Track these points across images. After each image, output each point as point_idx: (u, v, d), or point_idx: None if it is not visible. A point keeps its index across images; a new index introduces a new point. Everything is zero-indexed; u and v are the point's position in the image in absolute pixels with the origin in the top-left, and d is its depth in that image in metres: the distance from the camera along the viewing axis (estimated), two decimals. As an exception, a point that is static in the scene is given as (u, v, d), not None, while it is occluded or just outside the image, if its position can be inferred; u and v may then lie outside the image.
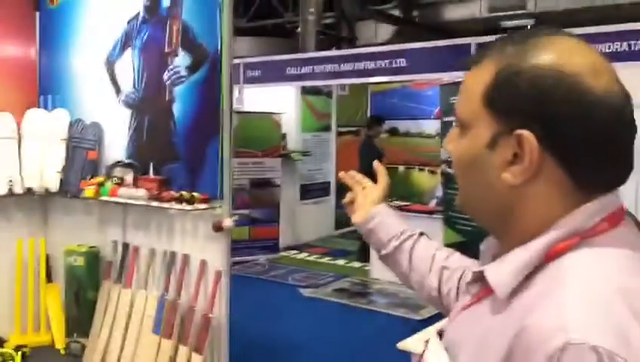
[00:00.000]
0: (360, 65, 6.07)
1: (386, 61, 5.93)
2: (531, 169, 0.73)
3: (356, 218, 1.29)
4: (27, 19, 3.91)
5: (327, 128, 8.20)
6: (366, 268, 6.14)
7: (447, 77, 5.66)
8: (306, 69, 6.27)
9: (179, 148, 3.32)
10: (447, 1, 10.82)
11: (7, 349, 3.55)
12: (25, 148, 3.75)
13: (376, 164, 1.36)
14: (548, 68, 0.72)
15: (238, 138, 6.05)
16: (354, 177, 1.36)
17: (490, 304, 0.77)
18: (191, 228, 3.33)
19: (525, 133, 0.72)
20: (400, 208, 5.65)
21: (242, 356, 3.29)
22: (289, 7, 13.89)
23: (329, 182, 8.08)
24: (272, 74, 6.56)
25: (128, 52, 3.52)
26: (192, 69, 3.23)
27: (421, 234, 1.25)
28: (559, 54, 0.73)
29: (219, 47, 3.09)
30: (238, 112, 6.42)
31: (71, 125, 3.75)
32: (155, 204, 3.23)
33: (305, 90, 7.55)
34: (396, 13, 11.24)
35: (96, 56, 3.66)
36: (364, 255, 6.24)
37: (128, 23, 3.49)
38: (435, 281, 1.18)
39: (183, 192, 3.14)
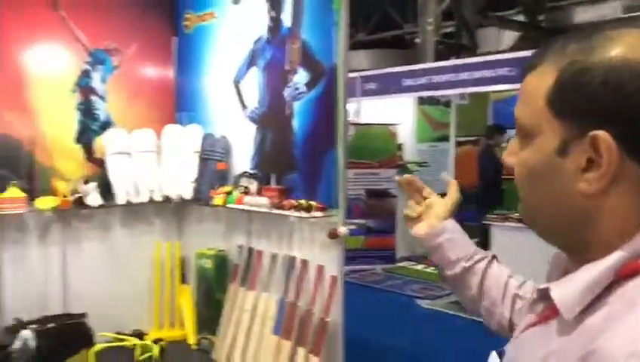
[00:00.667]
0: (479, 74, 5.99)
1: (507, 68, 5.80)
2: (609, 174, 0.66)
3: (418, 230, 1.19)
4: (166, 44, 4.35)
5: (444, 138, 8.12)
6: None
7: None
8: (422, 80, 6.29)
9: (298, 159, 3.51)
10: (576, 3, 10.30)
11: (148, 341, 3.93)
12: (163, 161, 4.16)
13: (444, 176, 1.26)
14: (621, 61, 0.66)
15: (355, 149, 6.23)
16: (414, 183, 1.25)
17: (555, 324, 0.71)
18: (309, 235, 3.51)
19: (600, 133, 0.65)
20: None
21: (357, 360, 3.39)
22: (408, 19, 13.92)
23: (446, 194, 7.97)
24: (389, 86, 6.66)
25: (253, 71, 3.79)
26: (310, 84, 3.42)
27: (493, 257, 1.15)
28: (632, 47, 0.67)
29: (335, 63, 3.25)
30: (355, 124, 6.59)
31: (203, 139, 4.10)
32: (276, 211, 3.44)
33: (422, 101, 7.56)
34: (520, 18, 10.89)
35: (226, 75, 3.98)
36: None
37: (254, 44, 3.77)
38: (507, 310, 1.09)
39: (302, 201, 3.33)
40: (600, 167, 0.66)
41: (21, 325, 2.41)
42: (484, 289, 1.12)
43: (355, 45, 12.35)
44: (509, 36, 10.62)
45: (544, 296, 0.74)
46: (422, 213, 1.21)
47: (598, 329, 0.63)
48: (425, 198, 1.23)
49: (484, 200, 5.85)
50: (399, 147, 7.22)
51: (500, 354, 0.82)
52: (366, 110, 7.22)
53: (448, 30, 10.81)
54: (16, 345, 1.95)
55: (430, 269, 6.94)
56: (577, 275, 0.70)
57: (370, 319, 4.50)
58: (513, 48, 9.48)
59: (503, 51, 8.38)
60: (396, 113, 7.26)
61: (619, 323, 0.62)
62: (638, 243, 0.66)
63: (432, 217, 1.18)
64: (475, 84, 6.07)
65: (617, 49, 0.67)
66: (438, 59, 8.35)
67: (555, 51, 0.72)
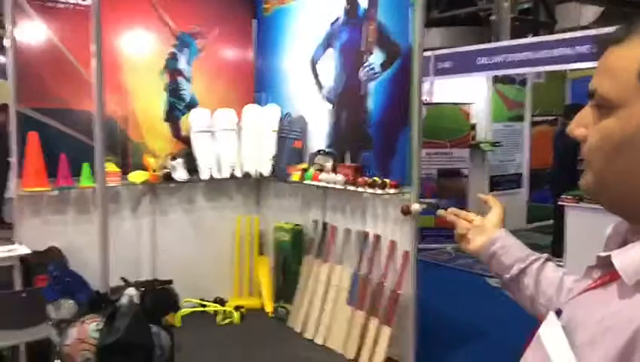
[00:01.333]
0: (557, 52, 5.84)
1: (587, 46, 5.62)
2: None
3: (475, 245, 1.26)
4: (246, 27, 4.55)
5: (519, 118, 7.97)
6: (560, 263, 5.92)
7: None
8: (497, 59, 6.21)
9: (372, 138, 3.63)
10: (666, -26, 9.70)
11: (229, 308, 4.21)
12: (243, 139, 4.38)
13: (480, 195, 1.34)
14: None
15: (427, 129, 6.25)
16: (457, 214, 1.32)
17: (615, 289, 0.74)
18: (382, 212, 3.63)
19: None
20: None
21: (427, 332, 3.50)
22: (483, -5, 13.47)
23: (521, 174, 7.86)
24: (463, 65, 6.61)
25: (330, 52, 3.92)
26: (385, 65, 3.51)
27: (548, 259, 1.20)
28: None
29: (410, 44, 3.32)
30: (428, 103, 6.60)
31: (281, 118, 4.29)
32: (351, 188, 3.59)
33: (497, 79, 7.44)
34: (601, -6, 10.37)
35: (303, 56, 4.13)
36: (556, 249, 6.02)
37: (330, 25, 3.89)
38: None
39: (376, 178, 3.45)
40: None
41: (127, 284, 2.70)
42: (541, 288, 1.16)
43: (428, 23, 12.18)
44: (591, 11, 10.17)
45: (604, 263, 0.78)
46: (465, 233, 1.28)
47: None
48: (470, 221, 1.29)
49: (559, 181, 5.75)
50: (473, 127, 7.16)
51: (558, 313, 0.85)
52: (439, 89, 7.20)
53: (525, 6, 10.47)
54: (123, 300, 2.21)
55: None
56: (638, 245, 0.73)
57: (440, 295, 4.58)
58: (595, 24, 9.10)
59: (584, 28, 8.08)
60: (470, 92, 7.19)
61: None
62: None
63: (488, 229, 1.25)
64: (552, 62, 5.93)
65: None
66: (514, 36, 8.16)
67: None
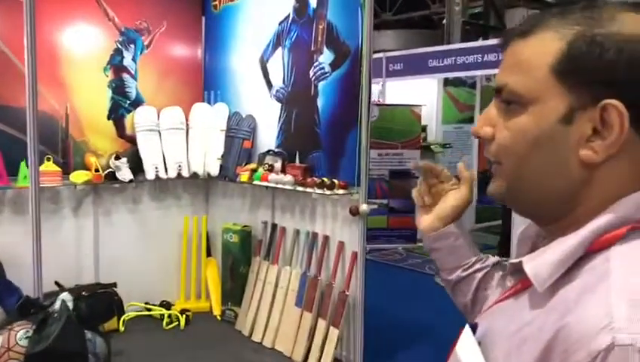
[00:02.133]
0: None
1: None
2: (618, 143, 0.66)
3: (423, 224, 1.11)
4: (194, 24, 4.44)
5: (470, 120, 8.11)
6: (505, 262, 6.04)
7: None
8: (448, 61, 6.29)
9: (322, 138, 3.60)
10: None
11: (175, 311, 4.10)
12: (191, 138, 4.28)
13: (461, 165, 1.13)
14: (631, 35, 0.66)
15: (379, 130, 6.27)
16: (432, 168, 1.13)
17: (528, 297, 0.71)
18: (331, 212, 3.61)
19: (614, 102, 0.65)
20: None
21: (375, 333, 3.50)
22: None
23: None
24: (414, 67, 6.66)
25: (279, 51, 3.87)
26: (335, 65, 3.49)
27: (496, 264, 1.10)
28: (637, 23, 0.68)
29: (360, 45, 3.31)
30: (379, 105, 6.63)
31: (229, 117, 4.21)
32: (300, 188, 3.55)
33: (447, 82, 7.55)
34: (549, -1, 10.67)
35: (252, 55, 4.07)
36: (504, 249, 6.14)
37: (279, 24, 3.84)
38: None
39: (325, 178, 3.42)
40: (605, 136, 0.66)
41: (61, 289, 2.56)
42: (478, 298, 1.07)
43: (381, 25, 12.28)
44: (539, 17, 10.45)
45: (515, 270, 0.74)
46: (427, 197, 1.12)
47: (571, 302, 0.63)
48: (441, 182, 1.12)
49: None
50: (424, 128, 7.24)
51: (473, 328, 0.80)
52: (391, 91, 7.24)
53: (476, 11, 10.68)
54: (56, 305, 2.10)
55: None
56: (551, 248, 0.70)
57: (390, 295, 4.60)
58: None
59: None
60: (422, 94, 7.27)
61: (590, 296, 0.61)
62: (613, 215, 0.67)
63: (437, 215, 1.10)
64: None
65: (624, 23, 0.67)
66: (465, 40, 8.29)
67: (553, 21, 0.71)
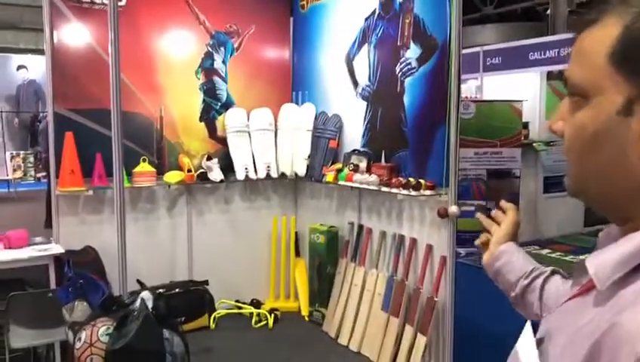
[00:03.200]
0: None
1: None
2: None
3: (484, 258, 1.21)
4: (282, 24, 4.46)
5: (577, 115, 7.55)
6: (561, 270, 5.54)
7: None
8: (550, 53, 5.89)
9: (408, 136, 3.47)
10: None
11: (263, 311, 4.14)
12: (279, 139, 4.30)
13: (502, 203, 1.24)
14: None
15: (476, 127, 5.99)
16: (494, 218, 1.25)
17: (593, 297, 0.69)
18: (418, 214, 3.47)
19: None
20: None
21: (466, 341, 3.31)
22: (540, -11, 12.97)
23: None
24: (514, 60, 6.31)
25: (365, 48, 3.78)
26: (422, 60, 3.35)
27: (554, 271, 1.14)
28: None
29: (448, 38, 3.15)
30: (476, 101, 6.33)
31: (316, 117, 4.18)
32: (385, 189, 3.44)
33: (550, 75, 7.08)
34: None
35: (339, 53, 4.01)
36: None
37: (365, 20, 3.75)
38: None
39: (411, 179, 3.29)
40: None
41: (142, 287, 2.66)
42: (544, 302, 1.10)
43: (482, 19, 11.82)
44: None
45: (584, 268, 0.71)
46: (489, 239, 1.23)
47: (628, 302, 0.61)
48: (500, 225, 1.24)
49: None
50: (525, 125, 6.82)
51: (534, 326, 0.82)
52: (489, 86, 6.91)
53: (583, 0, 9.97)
54: (137, 303, 2.16)
55: (556, 254, 6.54)
56: (616, 246, 0.67)
57: (481, 301, 4.35)
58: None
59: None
60: (523, 89, 6.86)
61: None
62: None
63: (492, 245, 1.20)
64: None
65: None
66: (571, 31, 7.75)
67: (617, 6, 0.67)
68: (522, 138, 6.79)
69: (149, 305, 2.21)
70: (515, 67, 6.36)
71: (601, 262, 0.67)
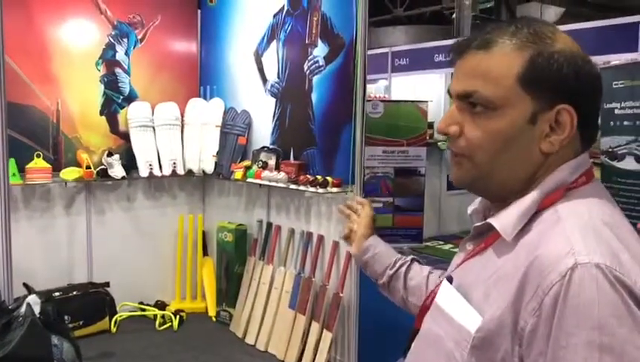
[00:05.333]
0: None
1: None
2: (569, 138, 0.86)
3: (352, 250, 1.40)
4: (190, 17, 4.33)
5: (478, 117, 7.91)
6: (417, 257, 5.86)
7: (615, 59, 5.17)
8: (454, 56, 6.12)
9: (316, 134, 3.48)
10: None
11: (168, 312, 4.01)
12: (186, 134, 4.18)
13: (353, 197, 1.55)
14: (573, 51, 0.86)
15: (384, 127, 6.12)
16: (350, 208, 1.46)
17: (493, 250, 0.89)
18: (325, 211, 3.49)
19: (567, 107, 0.85)
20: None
21: (371, 336, 3.36)
22: (447, -6, 13.45)
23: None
24: (420, 61, 6.51)
25: (274, 44, 3.75)
26: (329, 58, 3.36)
27: (413, 260, 1.36)
28: (569, 41, 0.88)
29: (354, 37, 3.18)
30: (384, 101, 6.47)
31: (225, 113, 4.10)
32: (293, 186, 3.43)
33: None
34: (562, -8, 10.45)
35: (247, 49, 3.95)
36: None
37: (274, 16, 3.72)
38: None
39: (318, 176, 3.30)
40: (558, 132, 0.87)
41: (29, 291, 2.46)
42: (409, 288, 1.31)
43: (392, 21, 12.11)
44: (552, 12, 10.23)
45: (478, 233, 0.96)
46: (353, 231, 1.42)
47: (536, 241, 0.82)
48: (358, 215, 1.44)
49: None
50: (430, 125, 7.06)
51: (450, 280, 0.97)
52: (397, 86, 7.09)
53: (487, 5, 10.47)
54: (22, 309, 2.01)
55: (457, 249, 6.82)
56: (511, 207, 0.89)
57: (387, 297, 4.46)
58: (556, 25, 9.13)
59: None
60: (428, 90, 7.10)
61: (551, 233, 0.81)
62: (553, 181, 0.88)
63: (358, 238, 1.39)
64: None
65: (564, 41, 0.87)
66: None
67: (505, 37, 0.87)
68: (427, 137, 7.05)
69: (36, 309, 2.06)
70: (421, 68, 6.57)
71: (506, 220, 0.88)
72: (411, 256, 1.38)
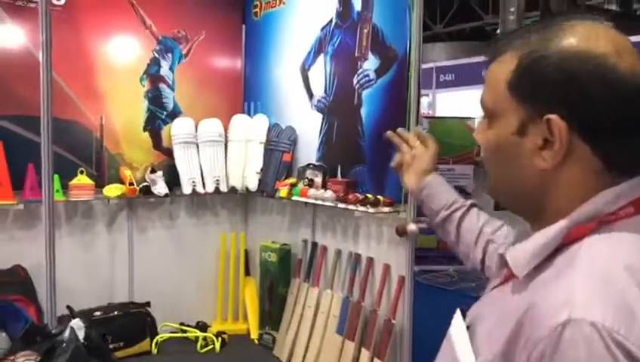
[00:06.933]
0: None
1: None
2: (561, 152, 0.75)
3: (409, 183, 1.37)
4: (234, 32, 4.26)
5: (526, 134, 7.66)
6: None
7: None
8: (503, 71, 5.93)
9: (366, 151, 3.33)
10: (675, -11, 9.50)
11: (210, 334, 3.88)
12: (230, 151, 4.09)
13: (415, 129, 1.45)
14: (572, 50, 0.73)
15: (429, 143, 5.96)
16: (401, 135, 1.43)
17: (511, 285, 0.80)
18: (375, 232, 3.32)
19: (553, 117, 0.73)
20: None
21: (424, 366, 3.16)
22: (488, 10, 13.29)
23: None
24: (466, 77, 6.32)
25: (321, 58, 3.63)
26: (380, 71, 3.22)
27: (472, 205, 1.30)
28: (583, 37, 0.74)
29: (407, 49, 3.03)
30: (429, 117, 6.30)
31: (269, 129, 3.99)
32: (341, 205, 3.27)
33: (502, 94, 7.17)
34: (613, 7, 10.16)
35: (293, 63, 3.84)
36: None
37: (322, 29, 3.60)
38: (479, 254, 1.23)
39: (368, 195, 3.14)
40: (554, 146, 0.75)
41: (72, 314, 2.36)
42: (460, 235, 1.28)
43: (432, 38, 11.95)
44: (599, 27, 9.93)
45: (503, 261, 0.85)
46: (405, 162, 1.39)
47: (542, 285, 0.73)
48: (411, 147, 1.40)
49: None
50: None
51: (464, 312, 0.91)
52: (441, 103, 6.91)
53: (532, 20, 10.23)
54: (66, 334, 1.90)
55: (507, 272, 6.54)
56: (529, 240, 0.80)
57: (441, 323, 4.25)
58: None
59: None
60: (473, 107, 6.90)
61: (558, 279, 0.71)
62: (583, 211, 0.75)
63: (419, 172, 1.35)
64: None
65: (569, 39, 0.74)
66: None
67: (520, 40, 0.79)
68: (475, 155, 6.83)
69: (80, 335, 1.96)
70: (468, 84, 6.38)
71: (518, 255, 0.79)
72: (470, 201, 1.31)
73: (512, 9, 8.79)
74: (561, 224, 0.75)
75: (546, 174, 0.77)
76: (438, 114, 6.79)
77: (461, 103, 6.94)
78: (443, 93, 6.72)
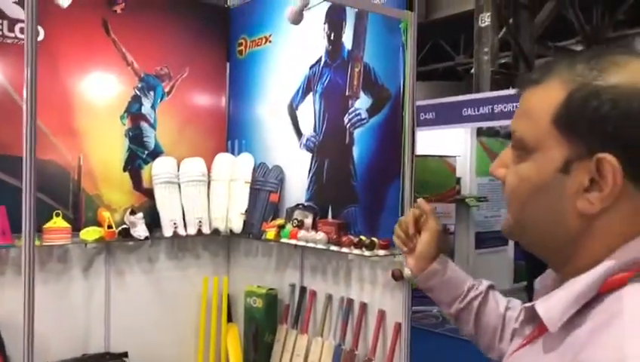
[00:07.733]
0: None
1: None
2: (612, 196, 0.69)
3: (413, 267, 1.20)
4: (219, 70, 4.17)
5: (504, 172, 7.70)
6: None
7: None
8: (483, 110, 5.96)
9: (358, 191, 3.23)
10: (639, 33, 9.87)
11: (191, 385, 3.65)
12: (213, 191, 3.94)
13: (420, 201, 1.22)
14: (630, 88, 0.67)
15: (412, 182, 5.93)
16: (406, 233, 1.24)
17: (543, 341, 0.73)
18: (369, 276, 3.19)
19: (608, 156, 0.68)
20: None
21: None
22: (460, 50, 13.59)
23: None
24: (447, 116, 6.34)
25: (310, 97, 3.55)
26: (373, 110, 3.15)
27: (489, 288, 1.18)
28: (639, 74, 0.68)
29: (402, 88, 2.98)
30: (412, 156, 6.29)
31: (254, 169, 3.87)
32: (334, 248, 3.15)
33: (480, 132, 7.20)
34: (579, 48, 10.49)
35: (280, 102, 3.76)
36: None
37: (310, 68, 3.54)
38: (506, 344, 1.10)
39: (362, 237, 3.02)
40: (602, 188, 0.69)
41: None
42: (481, 326, 1.15)
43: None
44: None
45: (531, 315, 0.77)
46: (408, 247, 1.24)
47: (584, 341, 0.65)
48: (411, 239, 1.24)
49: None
50: (458, 181, 6.84)
51: None
52: (423, 141, 6.91)
53: (504, 60, 10.47)
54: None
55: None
56: (562, 289, 0.72)
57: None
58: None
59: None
60: (454, 145, 6.90)
61: (602, 334, 0.64)
62: (622, 257, 0.68)
63: (420, 254, 1.19)
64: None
65: (626, 75, 0.68)
66: (494, 90, 8.01)
67: (562, 69, 0.73)
68: (456, 193, 6.82)
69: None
70: (449, 123, 6.40)
71: (552, 305, 0.71)
72: (488, 284, 1.18)
73: (486, 49, 8.97)
74: (596, 272, 0.69)
75: (588, 218, 0.71)
76: (419, 152, 6.78)
77: (441, 142, 6.95)
78: (424, 131, 6.72)
